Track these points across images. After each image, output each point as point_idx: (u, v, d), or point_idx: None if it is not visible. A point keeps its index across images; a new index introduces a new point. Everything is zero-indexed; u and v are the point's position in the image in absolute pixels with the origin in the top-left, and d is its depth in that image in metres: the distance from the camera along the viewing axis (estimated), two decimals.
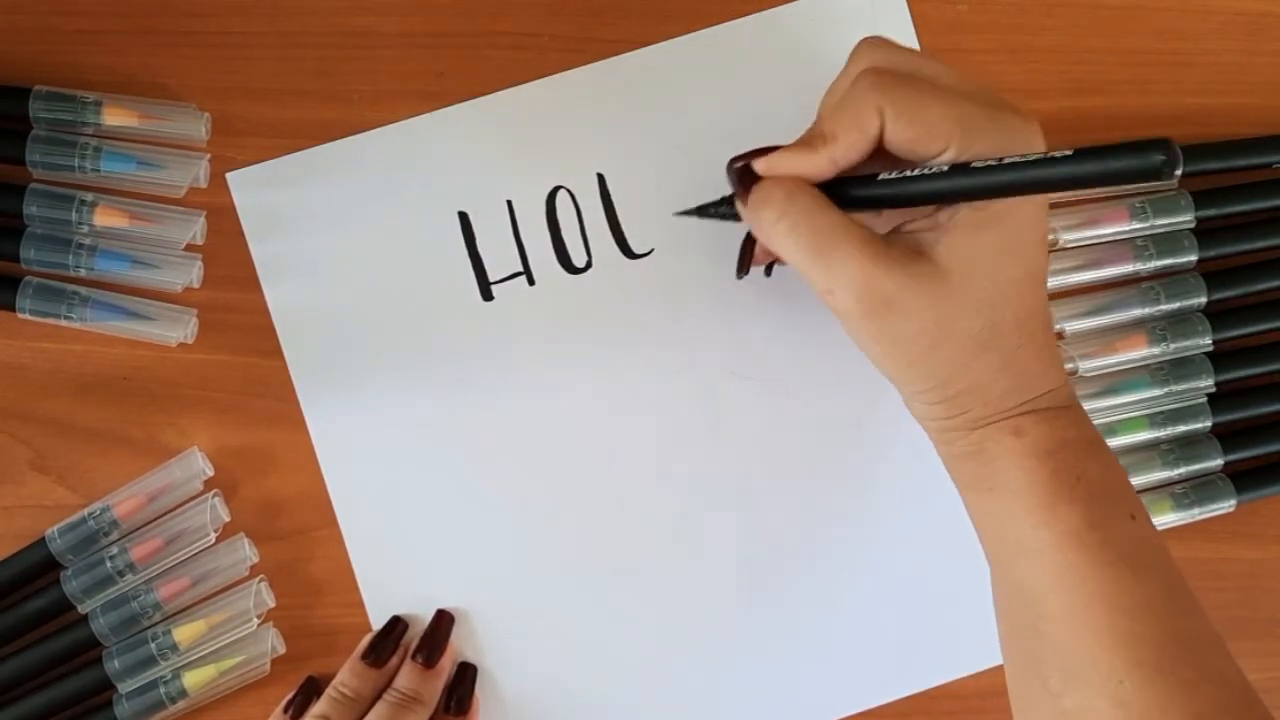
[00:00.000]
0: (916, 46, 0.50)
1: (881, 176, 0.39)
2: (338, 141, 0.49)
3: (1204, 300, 0.49)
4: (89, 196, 0.47)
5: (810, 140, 0.40)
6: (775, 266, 0.48)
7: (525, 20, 0.49)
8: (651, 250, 0.49)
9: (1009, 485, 0.40)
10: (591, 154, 0.49)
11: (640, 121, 0.49)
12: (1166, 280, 0.49)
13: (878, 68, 0.40)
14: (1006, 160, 0.37)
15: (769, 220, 0.40)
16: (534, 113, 0.49)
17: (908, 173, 0.39)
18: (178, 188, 0.48)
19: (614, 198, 0.49)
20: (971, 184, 0.38)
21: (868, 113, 0.39)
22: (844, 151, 0.39)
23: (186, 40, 0.49)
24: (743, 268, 0.46)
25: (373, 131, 0.49)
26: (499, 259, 0.49)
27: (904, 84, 0.39)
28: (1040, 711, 0.39)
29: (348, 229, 0.49)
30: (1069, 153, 0.36)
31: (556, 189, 0.49)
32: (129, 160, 0.47)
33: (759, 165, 0.41)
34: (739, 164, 0.42)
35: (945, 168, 0.38)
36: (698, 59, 0.50)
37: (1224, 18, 0.51)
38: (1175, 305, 0.49)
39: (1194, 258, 0.49)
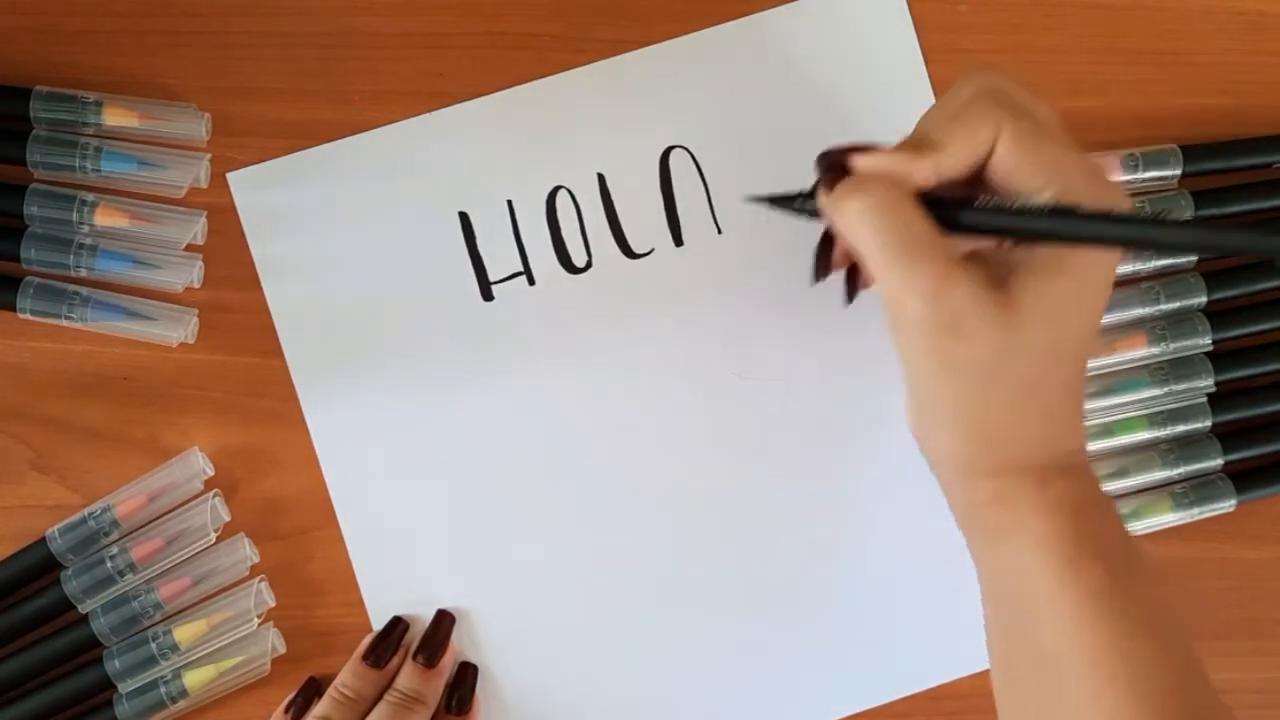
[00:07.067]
0: (916, 47, 0.50)
1: (981, 202, 0.38)
2: (338, 141, 0.49)
3: (1204, 300, 0.49)
4: (89, 196, 0.47)
5: (916, 144, 0.39)
6: (856, 293, 0.45)
7: (525, 20, 0.49)
8: (651, 250, 0.49)
9: (1029, 537, 0.38)
10: (591, 154, 0.49)
11: (640, 121, 0.49)
12: (1166, 280, 0.49)
13: (1003, 90, 0.39)
14: (1115, 214, 0.36)
15: (856, 209, 0.38)
16: (534, 113, 0.49)
17: (1011, 204, 0.37)
18: (178, 188, 0.48)
19: (614, 198, 0.49)
20: (1077, 230, 0.37)
21: (985, 129, 0.38)
22: (952, 162, 0.38)
23: (186, 40, 0.49)
24: (821, 271, 0.43)
25: (373, 131, 0.49)
26: (499, 259, 0.49)
27: (1025, 113, 0.38)
28: None
29: (348, 229, 0.49)
30: (1183, 219, 0.36)
31: (556, 189, 0.49)
32: (129, 160, 0.47)
33: (860, 161, 0.39)
34: (833, 157, 0.40)
35: (1048, 207, 0.37)
36: (698, 59, 0.50)
37: (1224, 18, 0.51)
38: (1175, 305, 0.49)
39: (1194, 257, 0.49)
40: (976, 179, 0.39)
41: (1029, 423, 0.39)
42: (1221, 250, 0.35)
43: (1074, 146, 0.39)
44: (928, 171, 0.38)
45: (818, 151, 0.40)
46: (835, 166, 0.39)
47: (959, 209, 0.38)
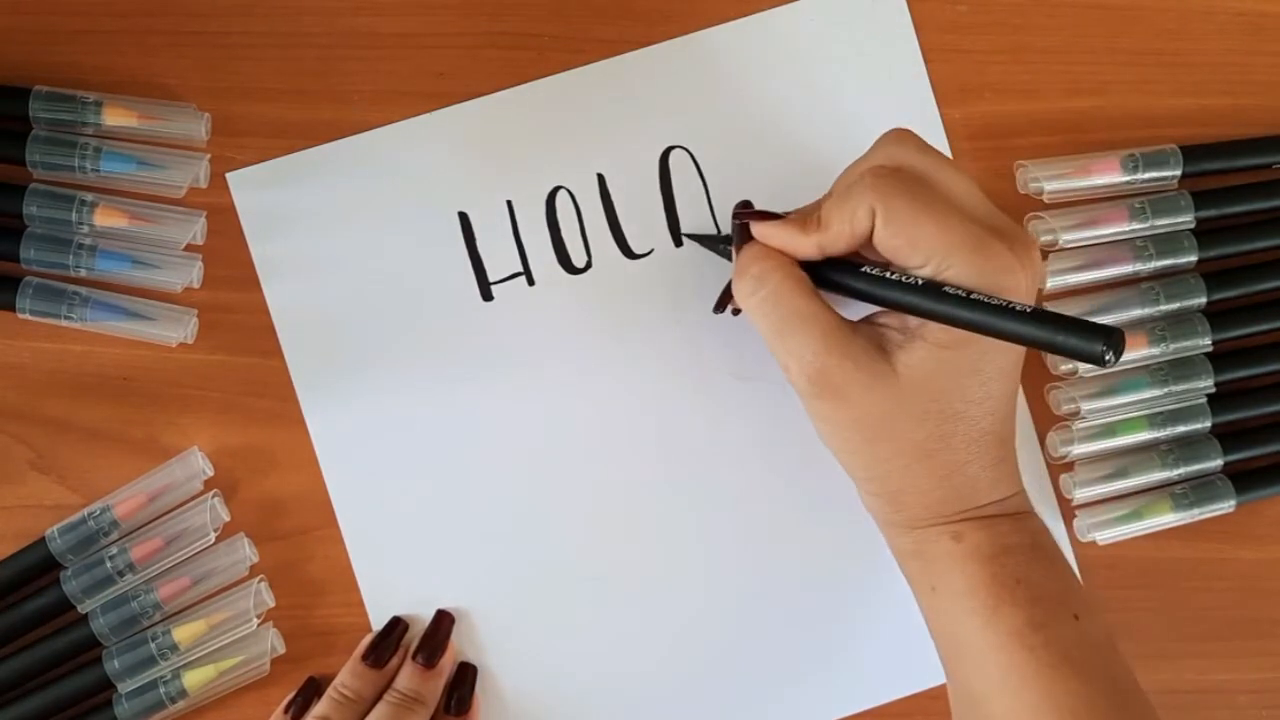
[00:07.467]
0: (916, 47, 0.50)
1: (863, 269, 0.41)
2: (338, 141, 0.49)
3: (1204, 301, 0.49)
4: (89, 196, 0.47)
5: (804, 221, 0.42)
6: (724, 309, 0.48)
7: (525, 20, 0.49)
8: (651, 250, 0.49)
9: (950, 588, 0.41)
10: (591, 154, 0.49)
11: (640, 121, 0.49)
12: (1166, 281, 0.49)
13: (888, 167, 0.40)
14: (972, 296, 0.38)
15: (745, 289, 0.42)
16: (534, 113, 0.49)
17: (885, 274, 0.40)
18: (178, 188, 0.48)
19: (614, 198, 0.49)
20: (934, 307, 0.39)
21: (861, 211, 0.40)
22: (831, 241, 0.41)
23: (186, 40, 0.49)
24: (719, 307, 0.47)
25: (373, 131, 0.49)
26: (499, 259, 0.49)
27: (904, 191, 0.39)
28: None
29: (348, 229, 0.49)
30: (1027, 310, 0.37)
31: (556, 189, 0.49)
32: (129, 160, 0.47)
33: (755, 230, 0.43)
34: (739, 221, 0.43)
35: (919, 281, 0.39)
36: (697, 59, 0.50)
37: (1224, 18, 0.51)
38: (1175, 306, 0.49)
39: (1194, 258, 0.49)
40: (873, 246, 0.41)
41: (925, 483, 0.41)
42: (1054, 349, 0.37)
43: (971, 218, 0.39)
44: (811, 249, 0.41)
45: (741, 200, 0.45)
46: (744, 229, 0.43)
47: (847, 273, 0.41)
